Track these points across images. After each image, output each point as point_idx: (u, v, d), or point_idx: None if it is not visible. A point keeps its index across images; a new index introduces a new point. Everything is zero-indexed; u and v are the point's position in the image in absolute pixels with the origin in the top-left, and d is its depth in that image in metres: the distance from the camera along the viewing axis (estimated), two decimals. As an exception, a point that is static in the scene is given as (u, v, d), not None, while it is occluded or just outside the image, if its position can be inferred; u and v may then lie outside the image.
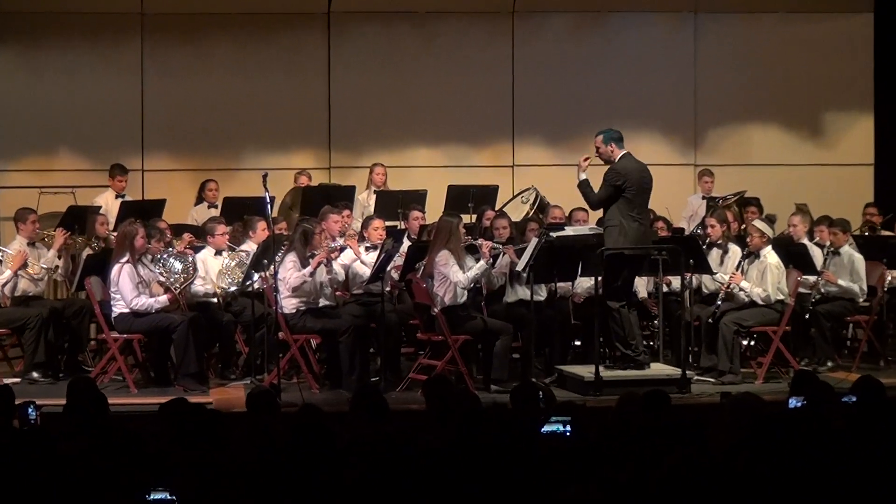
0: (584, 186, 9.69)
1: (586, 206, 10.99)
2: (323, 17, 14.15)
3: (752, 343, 10.75)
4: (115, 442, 5.24)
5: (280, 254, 9.86)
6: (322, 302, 9.92)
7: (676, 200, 13.19)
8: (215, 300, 10.38)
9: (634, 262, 9.63)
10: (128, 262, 9.70)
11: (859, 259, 10.85)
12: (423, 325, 10.02)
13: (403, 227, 11.73)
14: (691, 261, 10.10)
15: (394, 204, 12.15)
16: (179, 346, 9.70)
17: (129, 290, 9.67)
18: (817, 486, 4.83)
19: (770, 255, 10.16)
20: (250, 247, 10.53)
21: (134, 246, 9.75)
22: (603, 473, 4.97)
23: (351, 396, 6.41)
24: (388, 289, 10.33)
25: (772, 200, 12.71)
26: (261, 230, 10.60)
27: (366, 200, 12.68)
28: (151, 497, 4.39)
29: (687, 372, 9.56)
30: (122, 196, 12.41)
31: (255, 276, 10.07)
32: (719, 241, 10.62)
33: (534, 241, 9.85)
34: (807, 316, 10.66)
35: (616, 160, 9.58)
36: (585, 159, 9.71)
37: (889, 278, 11.01)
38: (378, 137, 14.08)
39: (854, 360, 10.80)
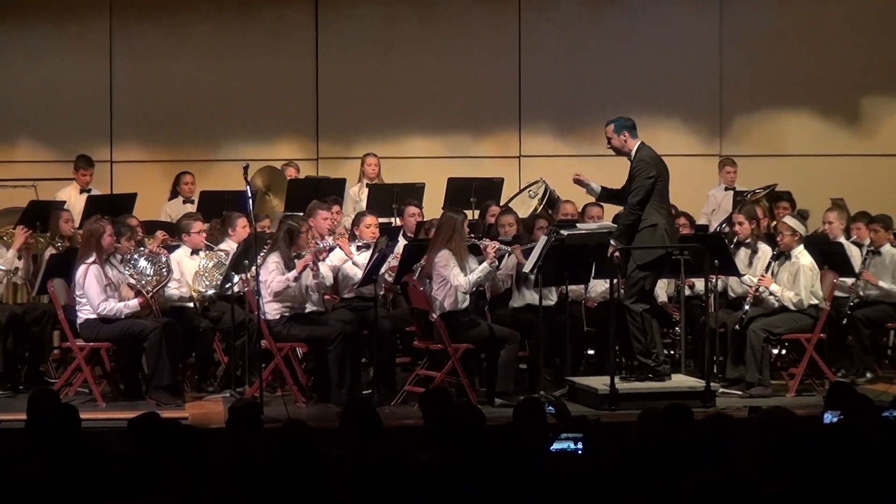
0: (622, 227, 9.61)
1: (601, 203, 10.98)
2: (310, -8, 14.17)
3: (784, 352, 10.73)
4: (80, 461, 5.23)
5: (262, 254, 9.85)
6: (309, 307, 9.92)
7: (700, 194, 13.19)
8: (191, 305, 10.37)
9: (662, 263, 9.61)
10: (94, 262, 9.69)
11: (902, 259, 10.85)
12: (421, 333, 10.02)
13: (399, 224, 11.72)
14: (716, 261, 10.09)
15: (388, 199, 12.14)
16: (151, 356, 9.69)
17: (95, 293, 9.66)
18: (855, 510, 4.82)
19: (803, 256, 10.15)
20: (230, 246, 10.53)
21: (101, 245, 9.74)
22: (618, 496, 4.97)
23: (340, 411, 6.40)
24: (381, 292, 10.32)
25: (805, 195, 12.71)
26: (241, 228, 10.59)
27: (357, 195, 12.68)
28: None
29: (711, 384, 9.55)
30: (88, 190, 12.41)
31: (235, 279, 10.06)
32: (747, 240, 10.61)
33: (543, 239, 9.85)
34: (844, 322, 10.65)
35: (632, 151, 9.56)
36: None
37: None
38: (371, 125, 14.08)
39: (896, 371, 10.81)
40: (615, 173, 9.68)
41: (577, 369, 10.44)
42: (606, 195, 9.87)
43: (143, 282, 9.89)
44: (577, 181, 9.80)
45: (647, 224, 9.49)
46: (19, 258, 10.55)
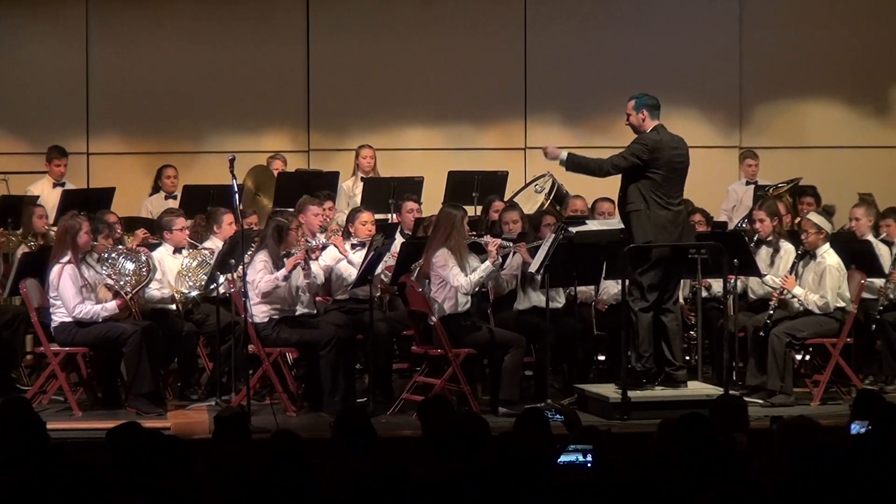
0: (574, 160, 9.61)
1: (613, 197, 10.99)
2: (300, -27, 14.18)
3: (808, 358, 10.74)
4: (54, 474, 5.24)
5: (250, 252, 9.86)
6: (299, 309, 9.92)
7: (718, 188, 13.20)
8: (173, 307, 10.38)
9: (672, 259, 9.58)
10: (70, 262, 9.70)
11: (935, 259, 10.85)
12: (419, 337, 10.03)
13: (396, 220, 11.73)
14: (736, 261, 10.10)
15: (384, 193, 12.15)
16: (131, 362, 9.70)
17: (71, 295, 9.67)
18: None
19: (829, 255, 10.15)
20: (215, 244, 10.53)
21: (77, 243, 9.74)
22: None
23: (333, 421, 6.41)
24: (377, 294, 10.32)
25: (831, 189, 12.72)
26: (227, 224, 10.60)
27: (351, 189, 12.68)
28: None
29: (731, 392, 9.55)
30: (62, 184, 12.42)
31: (221, 279, 10.07)
32: (769, 238, 10.61)
33: (550, 237, 9.85)
34: (873, 327, 10.63)
35: (647, 131, 9.57)
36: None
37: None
38: (366, 115, 14.08)
39: (928, 378, 10.80)
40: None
41: (587, 376, 10.44)
42: (573, 159, 9.75)
43: (122, 282, 9.89)
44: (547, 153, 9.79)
45: (630, 209, 9.49)
46: (-11, 257, 10.57)
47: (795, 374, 10.32)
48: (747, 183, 13.16)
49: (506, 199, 11.97)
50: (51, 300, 9.78)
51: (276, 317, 9.79)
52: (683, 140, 9.68)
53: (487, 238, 9.99)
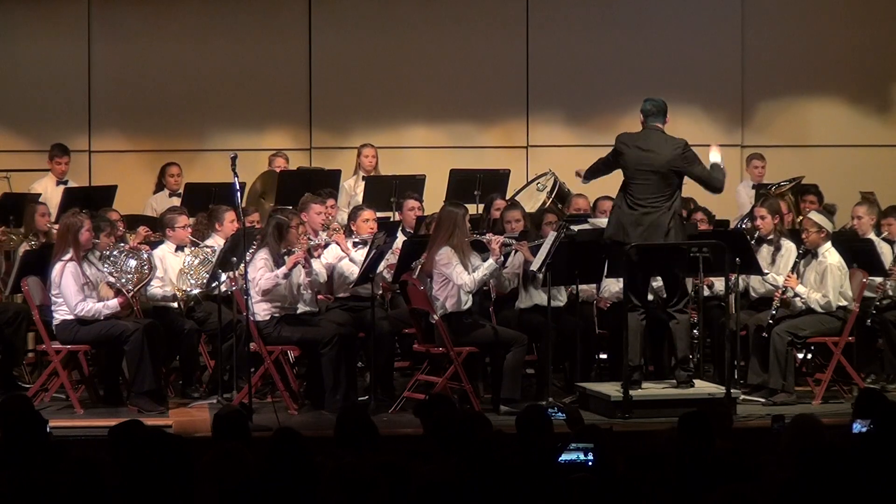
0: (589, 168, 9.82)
1: (613, 195, 11.00)
2: (303, -31, 14.18)
3: (809, 356, 10.74)
4: (56, 472, 5.24)
5: (251, 250, 9.86)
6: (301, 307, 9.92)
7: (719, 187, 13.17)
8: (175, 305, 10.39)
9: (642, 260, 9.57)
10: (71, 259, 9.70)
11: (936, 257, 10.84)
12: (421, 335, 10.03)
13: (397, 218, 11.73)
14: (738, 259, 10.10)
15: (386, 192, 12.15)
16: (133, 359, 9.70)
17: (73, 292, 9.67)
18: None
19: (830, 254, 10.15)
20: (217, 242, 10.53)
21: (79, 241, 9.74)
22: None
23: (335, 419, 6.42)
24: (379, 292, 10.32)
25: (833, 188, 12.70)
26: (229, 222, 10.60)
27: (353, 188, 12.68)
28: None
29: (732, 390, 9.56)
30: (65, 182, 12.43)
31: (223, 277, 10.07)
32: (770, 236, 10.61)
33: (552, 235, 9.86)
34: (868, 322, 10.61)
35: None
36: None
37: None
38: (368, 113, 14.07)
39: (930, 377, 10.79)
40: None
41: (588, 374, 10.44)
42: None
43: (124, 280, 9.89)
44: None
45: (612, 204, 9.74)
46: (-9, 255, 10.57)
47: (797, 373, 10.32)
48: (753, 186, 13.09)
49: (507, 197, 11.96)
50: (52, 298, 9.78)
51: (277, 315, 9.79)
52: (671, 144, 9.63)
53: (490, 235, 10.00)
